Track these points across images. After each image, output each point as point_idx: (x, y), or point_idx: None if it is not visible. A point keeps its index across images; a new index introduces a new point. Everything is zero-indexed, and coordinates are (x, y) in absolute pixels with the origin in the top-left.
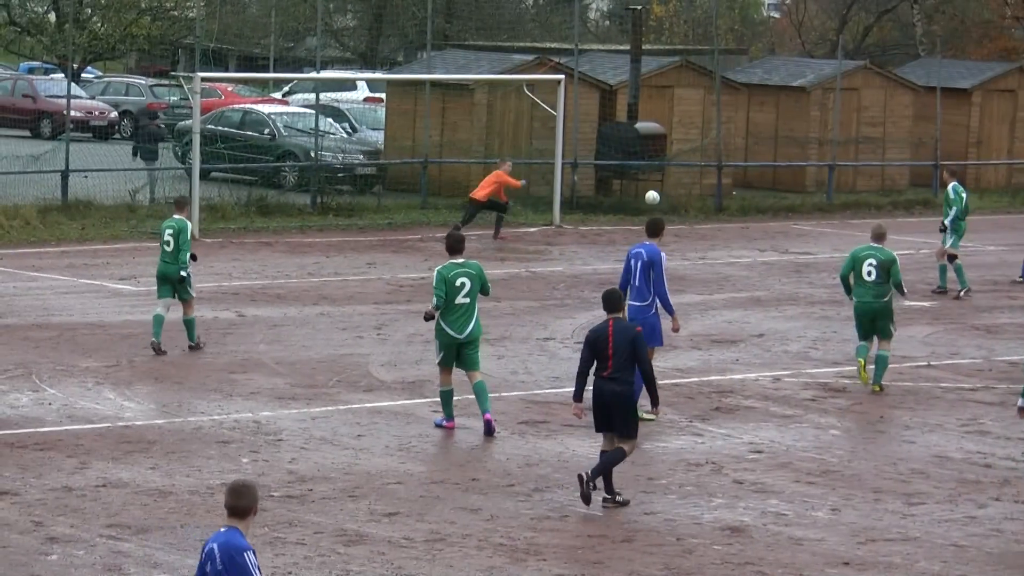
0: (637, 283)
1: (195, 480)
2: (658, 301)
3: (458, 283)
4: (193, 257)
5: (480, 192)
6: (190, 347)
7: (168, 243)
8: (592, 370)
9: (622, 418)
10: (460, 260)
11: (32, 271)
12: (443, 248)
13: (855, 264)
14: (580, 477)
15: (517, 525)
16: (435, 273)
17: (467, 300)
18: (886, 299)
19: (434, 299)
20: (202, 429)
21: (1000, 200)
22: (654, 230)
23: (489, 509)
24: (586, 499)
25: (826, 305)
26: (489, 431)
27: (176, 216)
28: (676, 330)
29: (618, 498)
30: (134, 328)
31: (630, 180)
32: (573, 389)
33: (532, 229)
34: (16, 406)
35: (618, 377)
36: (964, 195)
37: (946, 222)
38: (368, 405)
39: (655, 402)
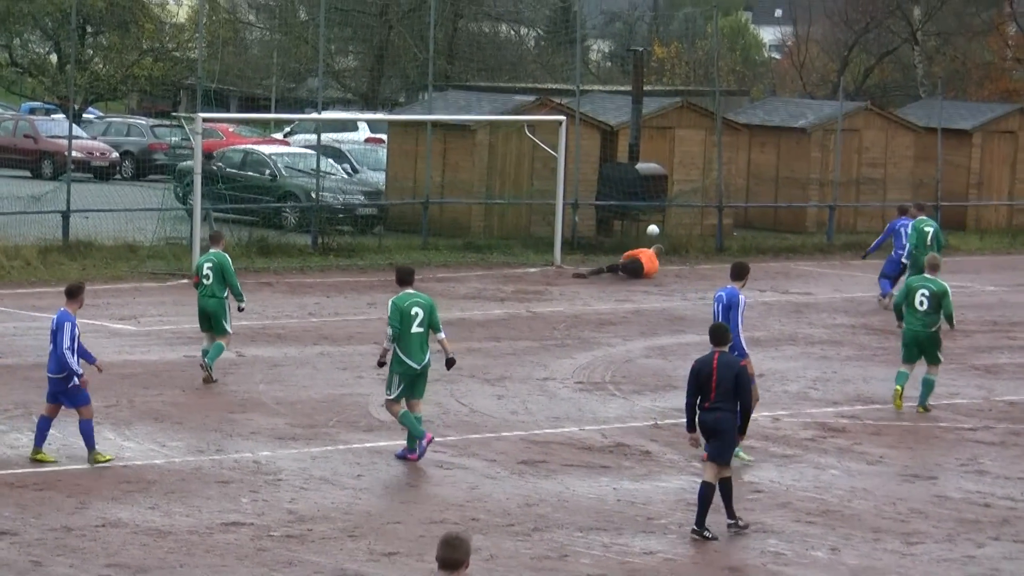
0: None
1: (195, 520)
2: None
3: (413, 312)
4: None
5: (643, 257)
6: (201, 365)
7: (208, 277)
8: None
9: (725, 444)
10: (411, 291)
11: (32, 311)
12: (443, 289)
13: (909, 293)
14: (729, 525)
15: (517, 565)
16: (389, 304)
17: (421, 329)
18: (935, 328)
19: (389, 331)
20: (201, 469)
21: (1001, 241)
22: (737, 274)
23: (489, 549)
24: (744, 527)
25: (826, 345)
26: (422, 453)
27: (213, 250)
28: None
29: (740, 522)
30: (134, 368)
31: (631, 221)
32: (685, 421)
33: (533, 269)
34: (15, 446)
35: (720, 406)
36: (928, 230)
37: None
38: (368, 445)
39: (741, 431)
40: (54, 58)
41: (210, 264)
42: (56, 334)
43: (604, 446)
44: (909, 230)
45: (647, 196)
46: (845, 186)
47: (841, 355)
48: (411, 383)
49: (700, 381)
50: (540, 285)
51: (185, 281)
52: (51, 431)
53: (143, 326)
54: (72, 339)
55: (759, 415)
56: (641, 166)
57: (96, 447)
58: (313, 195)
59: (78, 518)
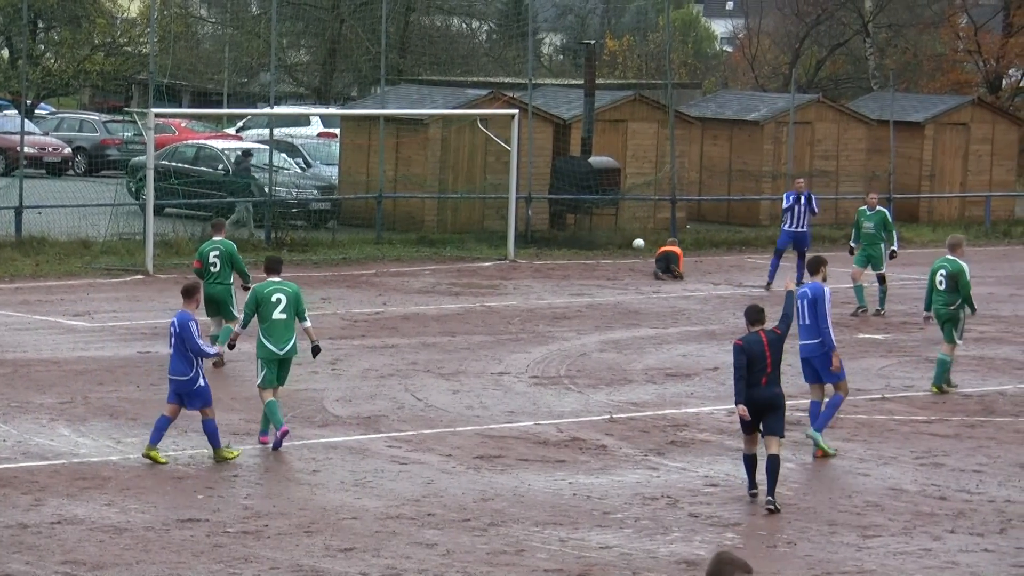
0: (807, 321)
1: (151, 516)
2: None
3: (274, 299)
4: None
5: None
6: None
7: (214, 264)
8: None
9: (780, 418)
10: (277, 279)
11: None
12: (397, 284)
13: (932, 275)
14: (768, 502)
15: (473, 560)
16: (250, 291)
17: (284, 316)
18: (954, 307)
19: (241, 317)
20: (157, 465)
21: (953, 233)
22: (814, 268)
23: (445, 544)
24: (777, 510)
25: None
26: (279, 445)
27: (216, 238)
28: (836, 368)
29: (776, 506)
30: (88, 364)
31: (584, 214)
32: (735, 396)
33: (486, 263)
34: None
35: (776, 381)
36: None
37: (894, 248)
38: (323, 440)
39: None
40: (5, 53)
41: (217, 252)
42: (181, 336)
43: (560, 440)
44: (890, 219)
45: (600, 189)
46: (798, 179)
47: (794, 348)
48: (276, 368)
49: (752, 360)
50: (494, 279)
51: (139, 276)
52: (6, 427)
53: (97, 322)
54: (199, 335)
55: (715, 408)
56: (594, 159)
57: (221, 445)
58: (266, 190)
59: (34, 515)
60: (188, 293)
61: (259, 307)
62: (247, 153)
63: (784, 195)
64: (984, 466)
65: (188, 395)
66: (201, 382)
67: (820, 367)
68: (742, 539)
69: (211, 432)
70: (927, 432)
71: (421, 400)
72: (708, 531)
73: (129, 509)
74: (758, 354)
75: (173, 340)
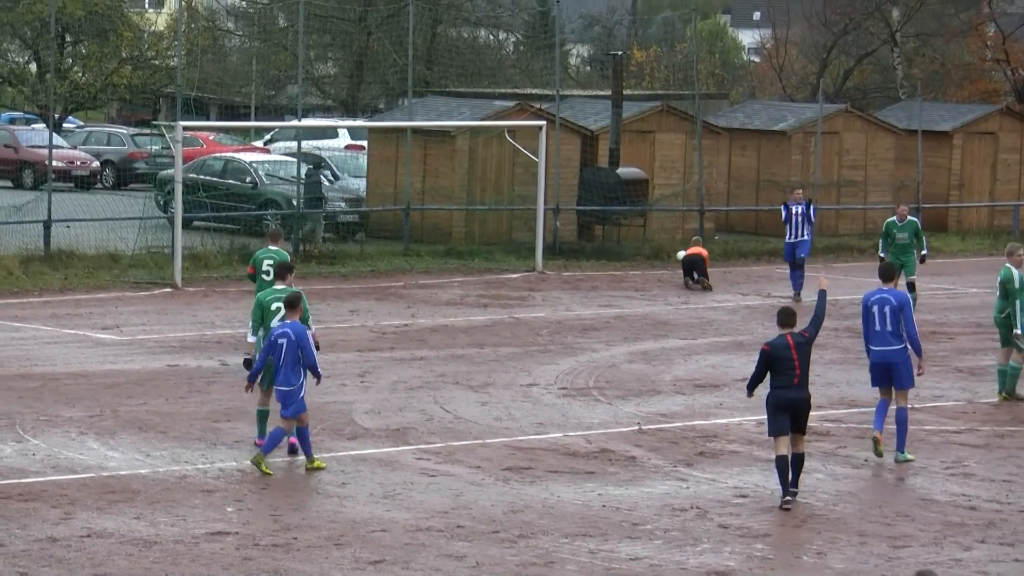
0: (889, 328)
1: (180, 529)
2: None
3: (274, 307)
4: None
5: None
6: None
7: (267, 273)
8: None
9: (806, 418)
10: (281, 287)
11: (15, 321)
12: (425, 295)
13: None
14: (789, 496)
15: (503, 572)
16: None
17: None
18: (1004, 315)
19: (250, 325)
20: (187, 478)
21: (982, 242)
22: (888, 276)
23: (474, 556)
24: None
25: None
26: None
27: (272, 247)
28: (922, 374)
29: (795, 495)
30: (117, 377)
31: (612, 225)
32: (747, 388)
33: (515, 275)
34: (0, 456)
35: (805, 384)
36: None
37: (923, 253)
38: (352, 453)
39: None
40: (33, 67)
41: (271, 262)
42: (299, 347)
43: (589, 452)
44: (920, 226)
45: (628, 200)
46: (826, 189)
47: (824, 358)
48: (272, 373)
49: (779, 364)
50: (522, 291)
51: (168, 290)
52: (35, 441)
53: (126, 335)
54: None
55: (743, 419)
56: (622, 170)
57: (267, 455)
58: (294, 202)
59: (63, 528)
60: (293, 304)
61: (262, 315)
62: (317, 166)
63: (782, 205)
64: (1014, 476)
65: (289, 404)
66: (303, 392)
67: (897, 372)
68: (772, 550)
69: (275, 439)
70: (957, 442)
71: (450, 412)
72: (738, 542)
73: (158, 522)
74: (785, 356)
75: (284, 351)
